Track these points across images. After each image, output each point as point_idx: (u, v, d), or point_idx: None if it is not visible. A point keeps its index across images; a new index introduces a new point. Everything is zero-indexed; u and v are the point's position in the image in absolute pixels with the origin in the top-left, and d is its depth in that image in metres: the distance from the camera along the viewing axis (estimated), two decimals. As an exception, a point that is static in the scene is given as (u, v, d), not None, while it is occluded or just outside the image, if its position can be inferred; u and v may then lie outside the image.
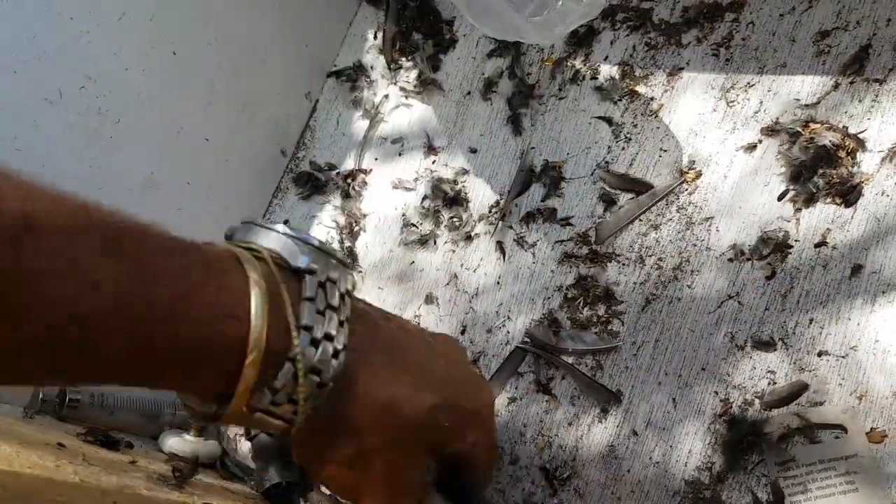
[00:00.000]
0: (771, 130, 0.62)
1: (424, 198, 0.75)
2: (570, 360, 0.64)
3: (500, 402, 0.65)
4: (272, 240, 0.37)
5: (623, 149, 0.68)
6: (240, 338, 0.33)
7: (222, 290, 0.33)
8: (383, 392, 0.38)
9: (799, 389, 0.55)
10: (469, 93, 0.77)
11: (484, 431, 0.45)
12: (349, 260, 0.38)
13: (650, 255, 0.64)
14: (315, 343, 0.34)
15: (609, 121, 0.69)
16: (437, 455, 0.43)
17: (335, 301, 0.36)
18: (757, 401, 0.56)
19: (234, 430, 0.73)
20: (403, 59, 0.81)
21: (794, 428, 0.54)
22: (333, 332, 0.35)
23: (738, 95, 0.64)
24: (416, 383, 0.40)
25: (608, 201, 0.66)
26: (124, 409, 0.66)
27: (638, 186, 0.66)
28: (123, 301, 0.30)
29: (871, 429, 0.53)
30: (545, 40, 0.58)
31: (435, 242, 0.73)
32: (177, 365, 0.32)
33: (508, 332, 0.67)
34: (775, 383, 0.56)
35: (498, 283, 0.69)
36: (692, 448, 0.57)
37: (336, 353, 0.35)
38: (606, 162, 0.68)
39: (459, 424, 0.43)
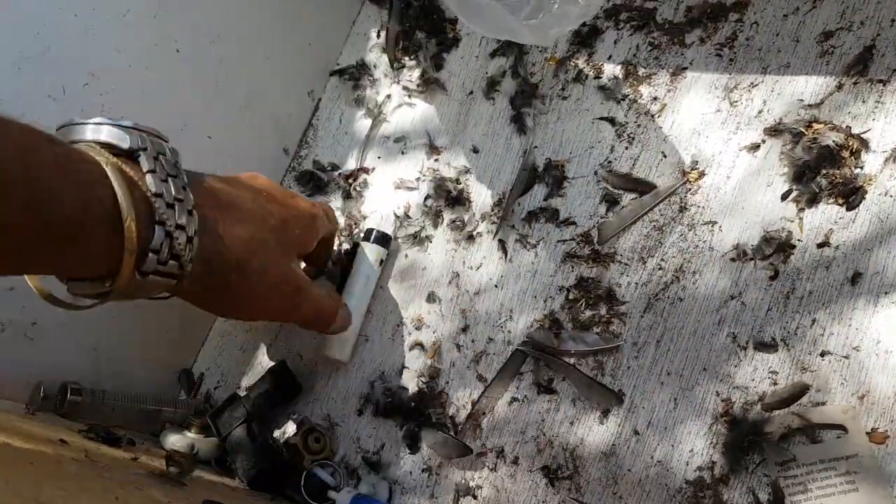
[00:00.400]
0: (774, 131, 0.62)
1: (427, 197, 0.75)
2: (571, 361, 0.63)
3: (502, 402, 0.65)
4: (96, 132, 0.43)
5: (626, 148, 0.68)
6: (112, 204, 0.38)
7: (85, 169, 0.38)
8: (241, 232, 0.48)
9: (800, 391, 0.55)
10: (472, 92, 0.77)
11: (322, 221, 0.62)
12: (162, 133, 0.48)
13: (652, 256, 0.64)
14: (171, 206, 0.41)
15: (612, 121, 0.69)
16: (305, 253, 0.60)
17: (173, 170, 0.43)
18: (759, 401, 0.56)
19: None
20: (406, 58, 0.81)
21: (794, 428, 0.54)
22: (181, 197, 0.42)
23: (741, 95, 0.64)
24: (259, 214, 0.50)
25: (611, 201, 0.66)
26: (125, 406, 0.66)
27: (641, 186, 0.66)
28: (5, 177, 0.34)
29: (873, 429, 0.53)
30: (540, 42, 0.58)
31: (436, 242, 0.73)
32: (61, 239, 0.37)
33: (510, 332, 0.67)
34: (777, 383, 0.56)
35: (500, 282, 0.69)
36: (694, 448, 0.57)
37: (190, 212, 0.42)
38: (609, 161, 0.68)
39: (308, 228, 0.58)
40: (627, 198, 0.66)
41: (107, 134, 0.43)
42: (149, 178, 0.41)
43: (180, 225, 0.42)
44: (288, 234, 0.54)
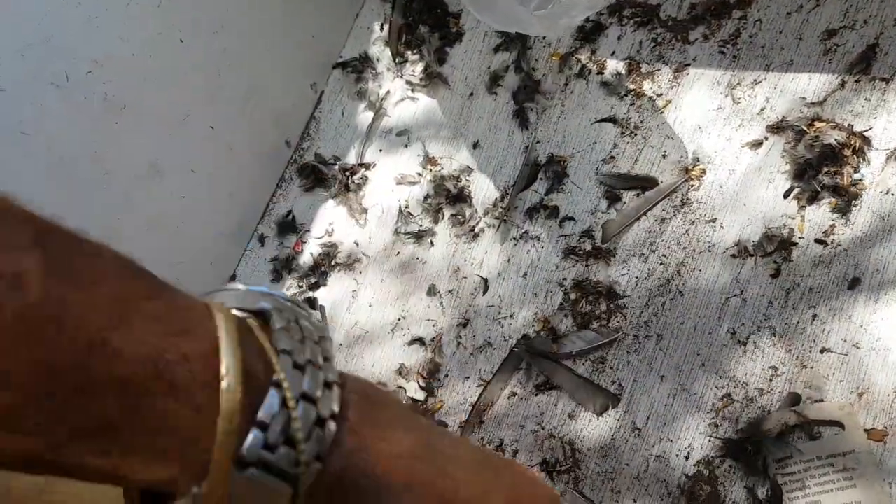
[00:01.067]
0: (776, 128, 0.62)
1: (427, 196, 0.75)
2: (568, 363, 0.63)
3: (502, 396, 0.65)
4: (222, 296, 0.28)
5: (628, 144, 0.68)
6: (214, 367, 0.24)
7: (190, 319, 0.25)
8: (406, 444, 0.30)
9: (794, 402, 0.55)
10: (475, 86, 0.77)
11: None
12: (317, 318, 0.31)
13: (654, 251, 0.64)
14: (298, 367, 0.27)
15: (613, 119, 0.69)
16: None
17: (315, 337, 0.29)
18: (758, 396, 0.56)
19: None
20: (409, 52, 0.81)
21: (792, 425, 0.54)
22: (319, 363, 0.27)
23: (744, 92, 0.64)
24: (443, 443, 0.31)
25: (612, 198, 0.67)
26: None
27: (642, 183, 0.66)
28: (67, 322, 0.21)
29: (872, 427, 0.53)
30: (549, 33, 0.58)
31: (437, 237, 0.73)
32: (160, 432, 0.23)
33: (511, 326, 0.67)
34: (776, 379, 0.56)
35: (500, 276, 0.69)
36: (692, 443, 0.58)
37: (328, 385, 0.27)
38: (612, 157, 0.68)
39: None
40: (629, 195, 0.66)
41: (233, 299, 0.29)
42: (279, 334, 0.27)
43: (308, 395, 0.26)
44: (486, 491, 0.32)
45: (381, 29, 0.83)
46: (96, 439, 0.23)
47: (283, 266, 0.78)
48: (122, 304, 0.23)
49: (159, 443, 0.23)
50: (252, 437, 0.25)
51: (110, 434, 0.23)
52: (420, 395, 0.68)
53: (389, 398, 0.31)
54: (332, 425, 0.26)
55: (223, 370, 0.24)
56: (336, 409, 0.27)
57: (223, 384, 0.24)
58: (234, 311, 0.27)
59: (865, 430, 0.53)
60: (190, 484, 0.24)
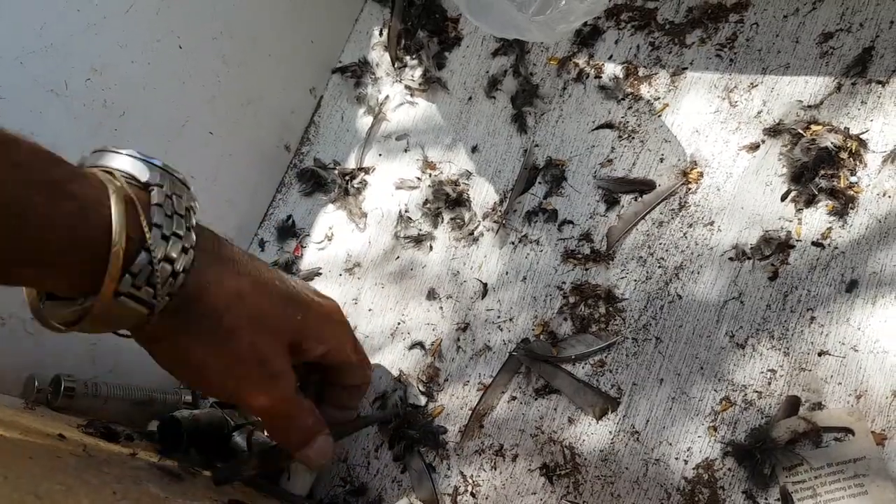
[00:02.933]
0: (773, 131, 0.62)
1: (426, 201, 0.75)
2: (568, 367, 0.64)
3: (501, 400, 0.65)
4: (121, 161, 0.43)
5: (626, 148, 0.68)
6: (105, 224, 0.39)
7: (87, 187, 0.39)
8: (233, 283, 0.45)
9: (794, 405, 0.55)
10: (473, 91, 0.77)
11: (342, 332, 0.55)
12: (189, 183, 0.47)
13: (652, 255, 0.64)
14: (166, 238, 0.41)
15: (611, 125, 0.69)
16: (303, 357, 0.52)
17: (181, 210, 0.43)
18: (756, 399, 0.57)
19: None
20: (408, 56, 0.81)
21: (801, 432, 0.54)
22: (182, 233, 0.42)
23: (741, 96, 0.65)
24: (261, 280, 0.47)
25: (611, 201, 0.67)
26: (117, 398, 0.66)
27: (640, 186, 0.66)
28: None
29: (871, 430, 0.53)
30: (547, 39, 0.58)
31: (436, 241, 0.73)
32: (49, 252, 0.38)
33: (510, 330, 0.67)
34: (775, 382, 0.56)
35: (500, 280, 0.69)
36: (692, 446, 0.58)
37: (185, 250, 0.42)
38: (610, 160, 0.68)
39: (313, 323, 0.51)
40: (627, 198, 0.66)
41: (129, 165, 0.43)
42: (154, 209, 0.42)
43: (169, 258, 0.41)
44: (287, 313, 0.49)
45: (380, 34, 0.83)
46: (23, 259, 0.38)
47: (283, 270, 0.79)
48: (54, 186, 0.38)
49: (66, 269, 0.39)
50: (126, 278, 0.40)
51: (36, 260, 0.38)
52: (421, 400, 0.68)
53: (232, 252, 0.47)
54: (181, 277, 0.42)
55: (114, 234, 0.38)
56: (187, 266, 0.42)
57: (113, 250, 0.38)
58: (123, 178, 0.42)
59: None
60: (80, 295, 0.40)
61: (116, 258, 0.39)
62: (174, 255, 0.41)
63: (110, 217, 0.39)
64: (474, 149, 0.75)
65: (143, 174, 0.43)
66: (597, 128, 0.69)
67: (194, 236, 0.43)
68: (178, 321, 0.44)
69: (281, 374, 0.50)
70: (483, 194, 0.73)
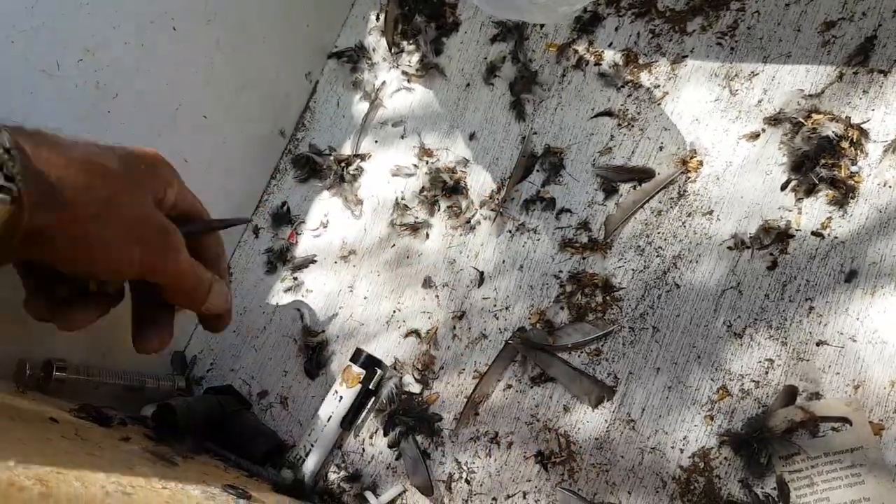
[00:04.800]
0: (774, 120, 0.62)
1: (423, 188, 0.74)
2: (565, 356, 0.63)
3: (497, 388, 0.65)
4: None
5: (625, 136, 0.67)
6: None
7: None
8: (76, 153, 0.46)
9: (791, 395, 0.55)
10: (471, 77, 0.76)
11: (175, 171, 0.55)
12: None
13: (650, 243, 0.64)
14: None
15: (610, 112, 0.68)
16: (163, 209, 0.52)
17: None
18: (753, 389, 0.56)
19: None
20: (405, 42, 0.80)
21: (798, 422, 0.54)
22: None
23: (741, 84, 0.64)
24: (94, 146, 0.48)
25: (609, 190, 0.66)
26: (109, 383, 0.65)
27: (640, 175, 0.66)
28: None
29: (869, 420, 0.53)
30: (548, 20, 0.58)
31: (432, 229, 0.73)
32: None
33: (506, 318, 0.67)
34: (772, 372, 0.56)
35: (496, 269, 0.69)
36: (688, 435, 0.57)
37: (2, 129, 0.41)
38: (609, 148, 0.68)
39: (157, 172, 0.52)
40: (625, 187, 0.66)
41: None
42: None
43: (4, 146, 0.40)
44: (132, 166, 0.50)
45: (377, 19, 0.82)
46: None
47: (278, 257, 0.78)
48: None
49: None
50: None
51: None
52: (416, 388, 0.68)
53: (54, 138, 0.46)
54: (16, 154, 0.41)
55: None
56: (12, 144, 0.41)
57: None
58: None
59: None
60: None
61: None
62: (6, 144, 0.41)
63: None
64: (472, 136, 0.74)
65: None
66: (596, 115, 0.69)
67: (7, 133, 0.42)
68: (55, 209, 0.43)
69: (170, 229, 0.51)
70: (480, 182, 0.72)
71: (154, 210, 0.50)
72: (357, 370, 0.67)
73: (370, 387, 0.67)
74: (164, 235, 0.50)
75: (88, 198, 0.45)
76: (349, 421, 0.67)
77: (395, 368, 0.69)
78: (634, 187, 0.65)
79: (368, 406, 0.68)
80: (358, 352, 0.69)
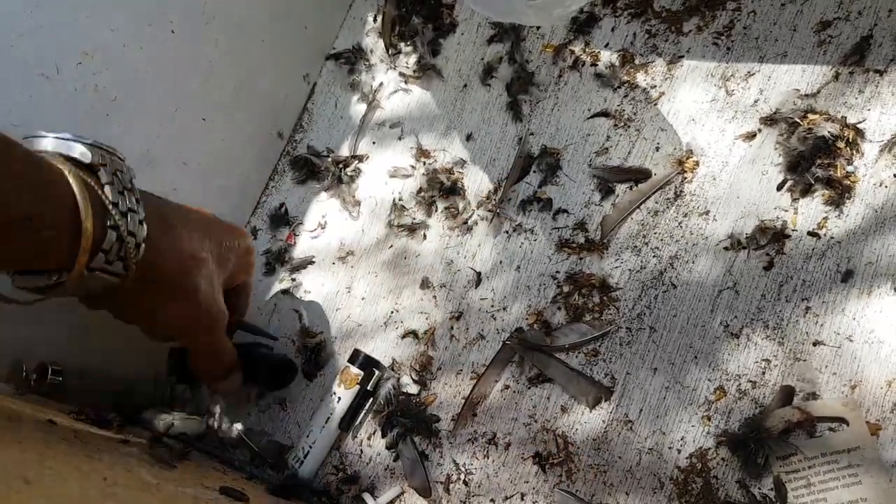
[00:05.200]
0: (770, 120, 0.62)
1: (420, 189, 0.74)
2: (562, 356, 0.63)
3: (495, 389, 0.65)
4: (58, 145, 0.47)
5: (622, 136, 0.67)
6: (71, 206, 0.43)
7: (48, 172, 0.43)
8: (186, 245, 0.53)
9: (788, 395, 0.55)
10: (468, 78, 0.76)
11: (252, 262, 0.64)
12: (121, 153, 0.51)
13: (647, 244, 0.64)
14: (124, 214, 0.46)
15: (606, 113, 0.68)
16: (226, 287, 0.60)
17: (129, 185, 0.48)
18: (750, 389, 0.56)
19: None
20: (403, 43, 0.80)
21: (794, 422, 0.54)
22: (135, 208, 0.47)
23: (737, 84, 0.64)
24: (204, 236, 0.55)
25: (606, 190, 0.66)
26: (99, 389, 0.65)
27: (636, 175, 0.66)
28: None
29: (866, 420, 0.53)
30: (544, 23, 0.58)
31: (430, 229, 0.73)
32: (20, 232, 0.41)
33: (504, 319, 0.67)
34: (769, 372, 0.56)
35: (494, 269, 0.69)
36: (685, 436, 0.57)
37: (141, 221, 0.48)
38: (605, 149, 0.68)
39: (243, 260, 0.61)
40: (622, 187, 0.66)
41: (70, 148, 0.47)
42: (107, 188, 0.46)
43: (132, 231, 0.47)
44: (224, 261, 0.58)
45: (375, 20, 0.83)
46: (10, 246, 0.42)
47: (276, 259, 0.78)
48: (17, 176, 0.41)
49: (44, 253, 0.44)
50: (99, 256, 0.45)
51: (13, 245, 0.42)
52: (414, 389, 0.68)
53: (170, 211, 0.54)
54: (142, 247, 0.48)
55: (83, 216, 0.43)
56: (143, 237, 0.48)
57: (84, 225, 0.43)
58: (70, 164, 0.45)
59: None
60: (61, 273, 0.45)
61: (86, 240, 0.44)
62: (134, 229, 0.47)
63: (74, 197, 0.44)
64: (469, 137, 0.74)
65: (84, 157, 0.47)
66: (592, 116, 0.69)
67: (143, 207, 0.49)
68: (143, 284, 0.50)
69: (221, 314, 0.58)
70: (478, 182, 0.72)
71: (219, 298, 0.58)
72: (355, 371, 0.68)
73: (368, 388, 0.68)
74: (218, 318, 0.58)
75: (173, 285, 0.53)
76: (347, 422, 0.68)
77: (392, 369, 0.69)
78: (631, 188, 0.66)
79: (367, 407, 0.68)
80: (356, 353, 0.69)
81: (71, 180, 0.44)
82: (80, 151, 0.47)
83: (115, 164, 0.49)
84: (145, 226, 0.48)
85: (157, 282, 0.52)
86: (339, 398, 0.67)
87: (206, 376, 0.65)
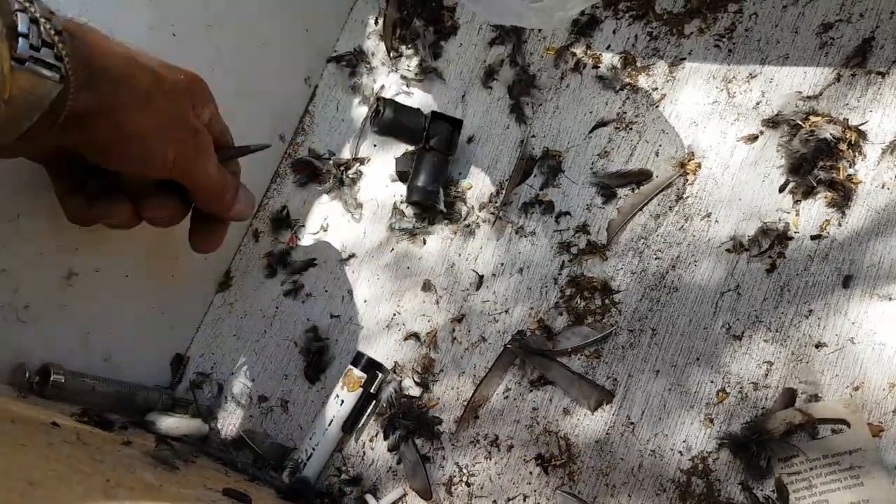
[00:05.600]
0: (772, 122, 0.62)
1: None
2: (564, 360, 0.63)
3: (497, 391, 0.65)
4: None
5: (623, 139, 0.67)
6: None
7: None
8: (122, 49, 0.47)
9: (790, 397, 0.55)
10: (470, 81, 0.76)
11: (210, 93, 0.57)
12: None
13: (648, 246, 0.64)
14: (35, 20, 0.40)
15: (604, 123, 0.68)
16: (201, 125, 0.54)
17: (46, 13, 0.41)
18: (752, 391, 0.56)
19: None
20: (404, 46, 0.80)
21: (796, 424, 0.54)
22: (48, 16, 0.41)
23: (739, 87, 0.64)
24: (140, 53, 0.49)
25: (608, 195, 0.66)
26: (101, 392, 0.65)
27: (636, 178, 0.66)
28: None
29: (868, 422, 0.53)
30: (545, 26, 0.58)
31: (432, 231, 0.73)
32: None
33: (506, 321, 0.67)
34: (771, 374, 0.56)
35: (495, 272, 0.69)
36: (687, 438, 0.57)
37: (52, 13, 0.41)
38: (606, 151, 0.68)
39: (196, 87, 0.54)
40: (624, 191, 0.66)
41: None
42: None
43: (46, 17, 0.41)
44: (175, 73, 0.51)
45: (376, 23, 0.83)
46: None
47: (278, 261, 0.78)
48: None
49: None
50: (20, 42, 0.39)
51: None
52: (416, 391, 0.68)
53: (101, 32, 0.47)
54: (66, 36, 0.41)
55: None
56: (62, 27, 0.41)
57: None
58: None
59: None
60: None
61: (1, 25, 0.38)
62: (48, 16, 0.41)
63: None
64: (470, 139, 0.74)
65: None
66: (593, 128, 0.69)
67: (60, 20, 0.42)
68: (99, 94, 0.44)
69: (204, 134, 0.52)
70: (480, 185, 0.73)
71: (190, 114, 0.52)
72: (358, 374, 0.68)
73: (371, 391, 0.68)
74: (197, 139, 0.52)
75: (130, 89, 0.46)
76: (350, 425, 0.68)
77: (394, 372, 0.69)
78: (633, 190, 0.66)
79: (369, 410, 0.68)
80: (359, 355, 0.69)
81: None
82: None
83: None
84: (58, 18, 0.42)
85: (111, 89, 0.45)
86: (343, 401, 0.67)
87: (215, 208, 0.58)
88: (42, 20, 0.41)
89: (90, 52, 0.45)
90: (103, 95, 0.45)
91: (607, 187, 0.66)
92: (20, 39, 0.39)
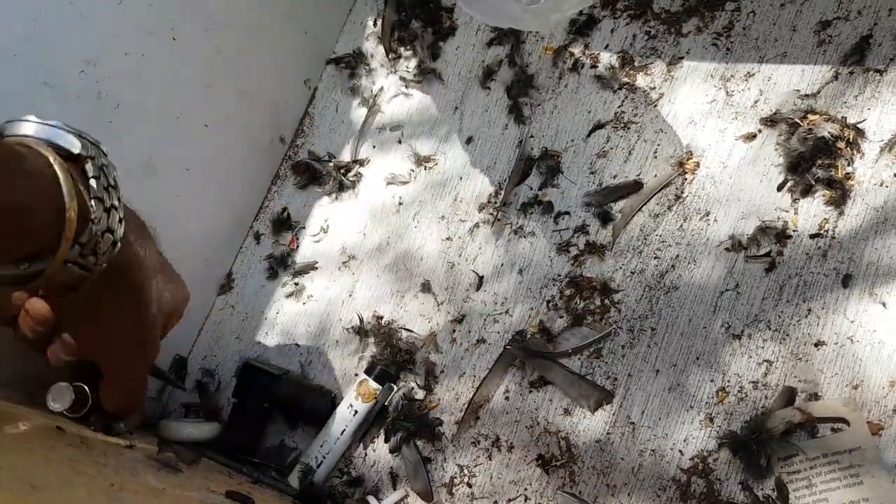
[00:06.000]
0: (770, 121, 0.62)
1: (420, 202, 0.74)
2: (564, 361, 0.63)
3: (498, 392, 0.65)
4: (45, 131, 0.45)
5: (622, 138, 0.68)
6: (54, 197, 0.41)
7: (33, 161, 0.41)
8: (155, 259, 0.52)
9: (790, 396, 0.55)
10: (468, 82, 0.76)
11: (182, 313, 0.59)
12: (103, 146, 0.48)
13: (648, 246, 0.64)
14: (107, 211, 0.45)
15: (603, 126, 0.68)
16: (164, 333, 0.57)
17: (113, 181, 0.46)
18: (752, 390, 0.57)
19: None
20: (402, 47, 0.80)
21: (796, 423, 0.54)
22: (117, 205, 0.46)
23: (737, 85, 0.64)
24: (163, 258, 0.54)
25: (605, 219, 0.66)
26: None
27: (628, 191, 0.65)
28: None
29: (868, 420, 0.53)
30: (542, 28, 0.58)
31: (431, 232, 0.73)
32: (4, 225, 0.39)
33: (506, 322, 0.67)
34: (771, 373, 0.56)
35: (495, 273, 0.69)
36: (687, 437, 0.58)
37: (121, 220, 0.46)
38: (605, 151, 0.68)
39: (181, 305, 0.57)
40: (617, 206, 0.66)
41: (58, 137, 0.45)
42: (93, 182, 0.44)
43: (111, 228, 0.45)
44: (176, 296, 0.56)
45: (375, 25, 0.83)
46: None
47: (279, 263, 0.79)
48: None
49: (21, 241, 0.41)
50: (75, 248, 0.43)
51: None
52: (420, 394, 0.68)
53: (143, 222, 0.52)
54: (118, 245, 0.46)
55: (67, 209, 0.41)
56: (121, 235, 0.46)
57: (67, 216, 0.41)
58: (47, 147, 0.43)
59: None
60: (41, 261, 0.43)
61: (70, 231, 0.42)
62: (114, 227, 0.45)
63: (58, 191, 0.42)
64: (469, 140, 0.74)
65: (73, 147, 0.45)
66: (592, 131, 0.69)
67: (123, 209, 0.47)
68: (105, 282, 0.47)
69: (157, 347, 0.55)
70: (479, 185, 0.73)
71: (159, 328, 0.55)
72: (374, 386, 0.67)
73: (385, 403, 0.68)
74: (152, 350, 0.55)
75: (130, 291, 0.50)
76: (362, 435, 0.68)
77: (397, 374, 0.70)
78: (627, 202, 0.66)
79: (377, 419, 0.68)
80: (372, 365, 0.69)
81: (57, 170, 0.42)
82: (69, 141, 0.45)
83: (101, 159, 0.47)
84: (123, 225, 0.47)
85: (120, 287, 0.49)
86: (356, 411, 0.67)
87: (125, 404, 0.58)
88: (105, 235, 0.45)
89: (126, 260, 0.48)
90: (105, 283, 0.48)
91: (600, 206, 0.66)
92: (76, 246, 0.43)
